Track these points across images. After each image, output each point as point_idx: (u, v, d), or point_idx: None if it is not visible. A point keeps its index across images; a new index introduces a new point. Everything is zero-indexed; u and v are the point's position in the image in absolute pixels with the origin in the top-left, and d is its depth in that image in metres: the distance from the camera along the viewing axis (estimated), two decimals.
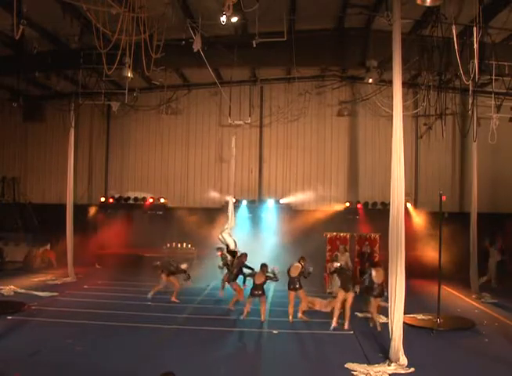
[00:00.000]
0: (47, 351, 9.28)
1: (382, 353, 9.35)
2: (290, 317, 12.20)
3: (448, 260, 14.88)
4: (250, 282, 12.81)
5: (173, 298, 14.19)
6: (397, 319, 9.07)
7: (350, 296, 11.56)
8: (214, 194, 21.99)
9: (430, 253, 16.96)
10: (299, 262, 12.61)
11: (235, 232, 16.29)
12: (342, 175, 21.99)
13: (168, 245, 20.74)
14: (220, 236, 15.72)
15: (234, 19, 12.18)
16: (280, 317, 12.53)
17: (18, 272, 18.85)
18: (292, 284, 12.36)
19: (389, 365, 8.76)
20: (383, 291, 11.40)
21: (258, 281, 12.12)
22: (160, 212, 21.95)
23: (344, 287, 11.65)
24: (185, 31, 14.14)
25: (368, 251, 16.96)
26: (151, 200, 21.93)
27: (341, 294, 11.62)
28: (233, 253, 15.01)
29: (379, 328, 11.20)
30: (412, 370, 8.59)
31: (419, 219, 20.18)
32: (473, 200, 16.55)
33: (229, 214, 16.44)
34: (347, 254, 16.25)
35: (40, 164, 23.18)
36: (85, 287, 16.49)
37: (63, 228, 17.97)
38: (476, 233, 16.31)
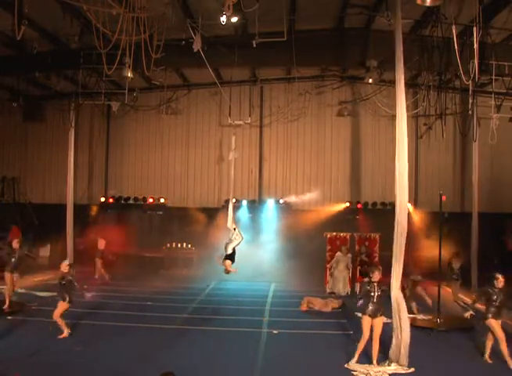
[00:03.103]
0: (47, 351, 9.28)
1: (382, 353, 9.33)
2: None
3: (448, 260, 14.86)
4: None
5: None
6: (404, 320, 8.92)
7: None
8: (214, 194, 22.00)
9: (430, 253, 16.93)
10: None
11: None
12: (342, 174, 21.96)
13: (168, 245, 20.74)
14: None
15: (234, 19, 12.20)
16: (280, 317, 12.54)
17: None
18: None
19: (389, 365, 8.75)
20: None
21: None
22: (160, 212, 21.93)
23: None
24: (185, 31, 14.14)
25: (364, 257, 16.65)
26: (151, 200, 21.89)
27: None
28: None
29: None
30: (412, 370, 8.58)
31: (419, 219, 20.16)
32: (474, 200, 16.52)
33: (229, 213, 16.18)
34: (350, 255, 16.23)
35: (40, 164, 23.12)
36: (85, 287, 16.45)
37: (63, 228, 17.96)
38: (477, 232, 16.29)
